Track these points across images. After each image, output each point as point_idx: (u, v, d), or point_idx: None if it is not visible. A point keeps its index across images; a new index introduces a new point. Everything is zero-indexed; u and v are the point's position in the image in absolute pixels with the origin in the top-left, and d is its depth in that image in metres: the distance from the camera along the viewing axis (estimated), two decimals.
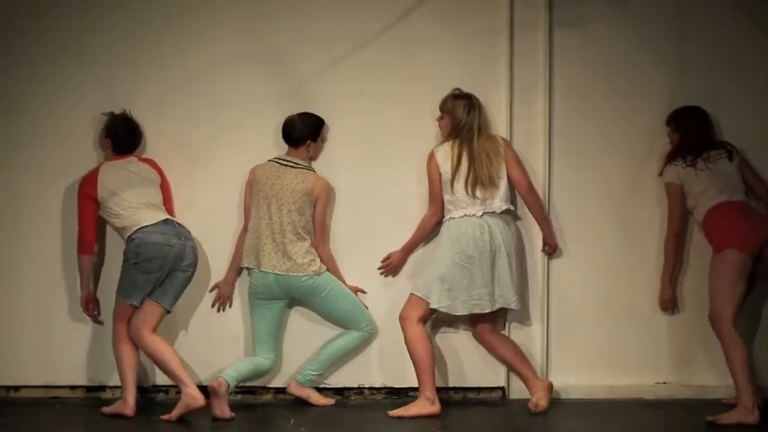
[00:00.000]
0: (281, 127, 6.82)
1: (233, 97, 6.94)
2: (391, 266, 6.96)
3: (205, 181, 6.94)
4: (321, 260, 6.78)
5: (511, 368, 6.85)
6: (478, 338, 6.88)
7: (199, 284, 6.84)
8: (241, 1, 6.95)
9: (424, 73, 6.97)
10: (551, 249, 6.94)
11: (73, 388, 6.93)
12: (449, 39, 6.98)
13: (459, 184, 6.65)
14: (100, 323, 6.86)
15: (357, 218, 6.94)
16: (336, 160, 6.94)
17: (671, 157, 6.81)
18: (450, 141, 6.70)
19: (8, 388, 6.93)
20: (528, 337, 6.98)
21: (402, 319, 6.67)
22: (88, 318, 6.86)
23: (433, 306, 6.62)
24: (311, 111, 6.88)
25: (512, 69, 6.97)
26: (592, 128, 7.04)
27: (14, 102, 6.92)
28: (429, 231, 6.87)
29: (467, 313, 6.66)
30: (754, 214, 6.68)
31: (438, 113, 6.83)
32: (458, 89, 6.80)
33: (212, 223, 6.88)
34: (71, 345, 6.90)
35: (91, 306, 6.80)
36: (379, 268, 6.95)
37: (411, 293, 6.71)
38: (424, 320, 6.68)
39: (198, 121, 6.95)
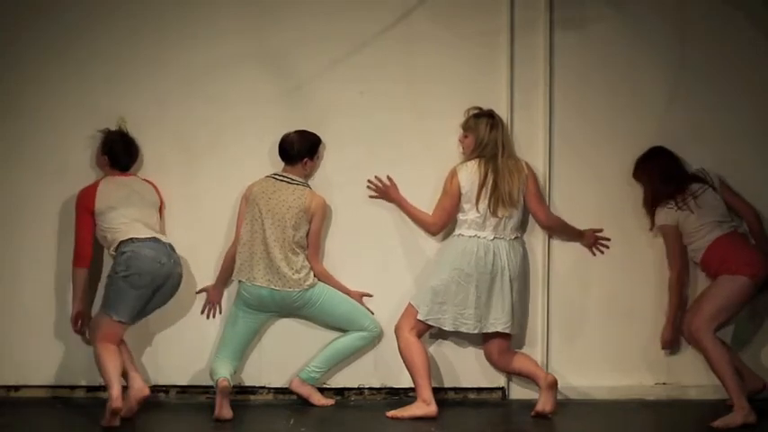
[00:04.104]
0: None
1: (233, 97, 6.93)
2: (381, 189, 6.89)
3: (205, 181, 6.93)
4: (316, 277, 6.75)
5: (525, 376, 6.78)
6: (489, 360, 6.85)
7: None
8: (241, 1, 6.95)
9: (424, 73, 6.96)
10: (592, 239, 6.96)
11: (73, 388, 6.93)
12: (449, 39, 6.98)
13: (484, 204, 6.62)
14: (88, 342, 6.68)
15: (356, 219, 6.94)
16: (336, 161, 6.94)
17: (656, 204, 6.78)
18: (476, 160, 6.67)
19: (8, 388, 6.92)
20: (528, 337, 6.98)
21: (395, 329, 6.68)
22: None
23: (420, 318, 6.61)
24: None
25: (512, 69, 6.97)
26: (592, 128, 7.04)
27: (15, 102, 6.90)
28: (421, 225, 6.86)
29: (453, 330, 6.65)
30: (754, 245, 6.73)
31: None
32: (478, 107, 6.79)
33: (212, 223, 6.87)
34: (71, 345, 6.88)
35: (80, 322, 6.65)
36: (369, 180, 6.89)
37: (409, 302, 6.71)
38: (419, 330, 6.66)
39: (198, 122, 6.94)
